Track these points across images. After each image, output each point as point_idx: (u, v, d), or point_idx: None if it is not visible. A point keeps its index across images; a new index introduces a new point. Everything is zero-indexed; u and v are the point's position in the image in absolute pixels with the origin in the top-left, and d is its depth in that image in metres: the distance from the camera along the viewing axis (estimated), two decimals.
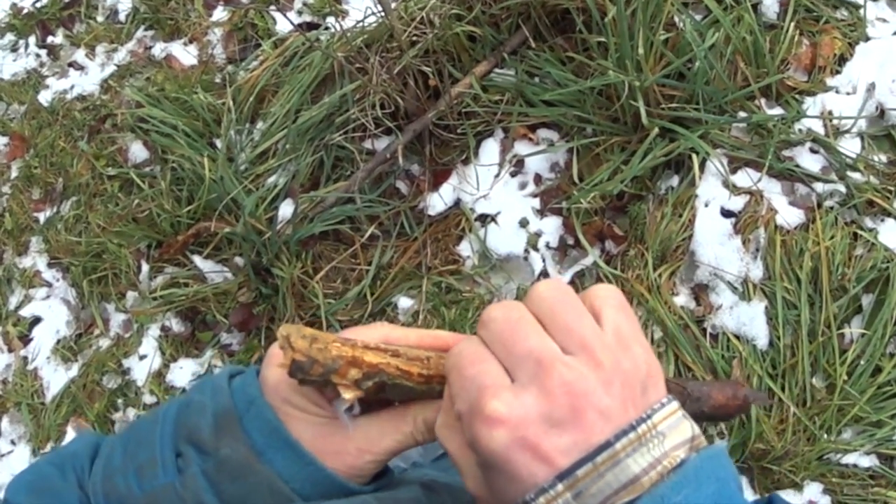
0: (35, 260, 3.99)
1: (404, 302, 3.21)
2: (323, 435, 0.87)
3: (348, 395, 0.81)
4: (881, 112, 2.85)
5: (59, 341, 3.77)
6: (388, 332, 0.88)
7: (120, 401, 3.54)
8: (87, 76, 4.33)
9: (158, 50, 4.18)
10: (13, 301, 3.95)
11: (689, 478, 0.66)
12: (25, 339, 3.84)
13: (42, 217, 4.07)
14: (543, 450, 0.66)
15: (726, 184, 2.86)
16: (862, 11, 3.03)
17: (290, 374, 0.80)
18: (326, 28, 3.70)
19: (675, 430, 0.69)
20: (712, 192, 2.87)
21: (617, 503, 0.66)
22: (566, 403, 0.66)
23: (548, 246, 3.11)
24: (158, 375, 3.51)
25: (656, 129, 2.86)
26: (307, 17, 3.84)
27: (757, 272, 2.79)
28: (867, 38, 2.98)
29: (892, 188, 2.79)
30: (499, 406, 0.67)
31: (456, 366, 0.74)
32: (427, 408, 0.87)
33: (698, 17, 3.02)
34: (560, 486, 0.66)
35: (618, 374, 0.69)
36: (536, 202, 3.16)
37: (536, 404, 0.67)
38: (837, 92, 2.93)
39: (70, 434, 3.55)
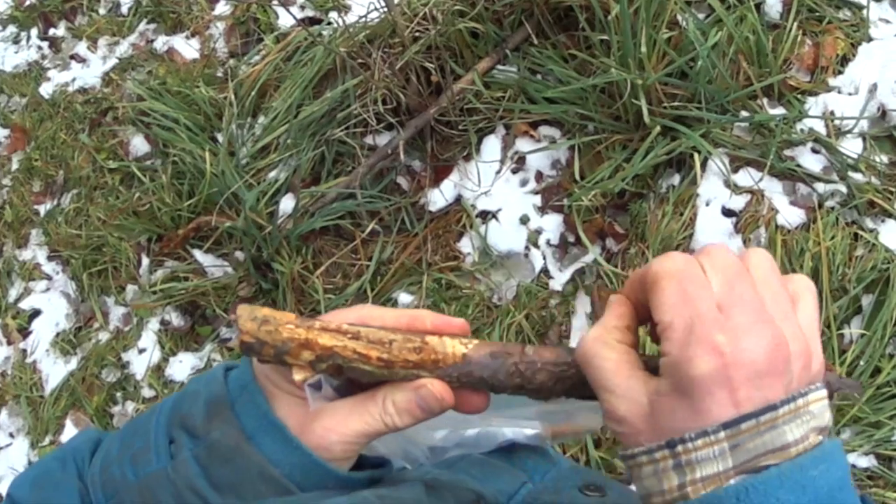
0: (35, 252, 3.99)
1: (404, 298, 3.21)
2: (298, 413, 0.87)
3: (299, 376, 0.81)
4: (883, 113, 2.84)
5: (58, 334, 3.77)
6: (368, 312, 0.88)
7: (119, 394, 3.54)
8: (89, 69, 4.32)
9: (160, 43, 4.18)
10: (13, 293, 3.95)
11: (826, 456, 0.68)
12: (25, 332, 3.84)
13: (42, 210, 4.07)
14: (740, 396, 0.67)
15: (727, 183, 2.86)
16: (865, 12, 3.02)
17: (242, 354, 0.80)
18: (329, 23, 3.70)
19: (822, 415, 0.71)
20: (713, 191, 2.87)
21: (762, 463, 0.67)
22: (772, 361, 0.68)
23: (548, 243, 3.10)
24: (158, 369, 3.52)
25: (658, 128, 2.86)
26: (310, 12, 3.83)
27: None
28: (870, 39, 2.98)
29: (893, 189, 2.78)
30: (725, 341, 0.68)
31: (676, 276, 0.73)
32: (397, 390, 0.85)
33: (701, 16, 3.03)
34: (722, 434, 0.67)
35: (805, 353, 0.71)
36: (537, 199, 3.16)
37: (752, 352, 0.68)
38: (839, 92, 2.92)
39: (69, 427, 3.55)
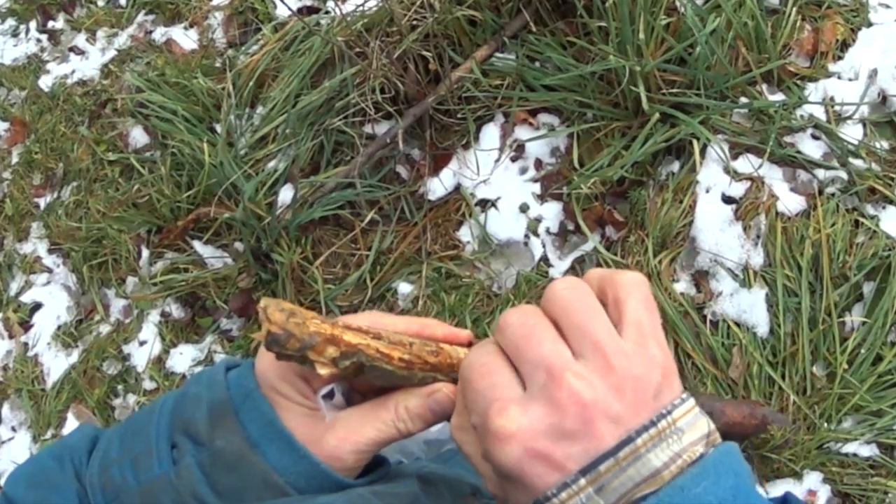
0: (36, 246, 3.99)
1: (404, 287, 3.21)
2: (307, 424, 0.86)
3: (323, 371, 0.80)
4: (883, 98, 2.83)
5: (59, 327, 3.77)
6: (377, 318, 0.88)
7: (120, 387, 3.54)
8: (88, 61, 4.32)
9: (159, 34, 4.18)
10: (14, 287, 3.95)
11: (708, 470, 0.67)
12: (26, 326, 3.84)
13: (42, 202, 4.07)
14: (556, 459, 0.67)
15: (727, 170, 2.85)
16: None
17: (266, 346, 0.79)
18: (327, 12, 3.69)
19: (693, 427, 0.69)
20: (713, 178, 2.86)
21: (637, 495, 0.66)
22: (575, 413, 0.67)
23: (548, 231, 3.10)
24: (158, 361, 3.52)
25: (657, 115, 2.85)
26: (307, 1, 3.82)
27: (757, 259, 2.77)
28: (870, 24, 2.97)
29: (893, 175, 2.77)
30: (505, 423, 0.68)
31: (467, 378, 0.74)
32: (410, 396, 0.86)
33: (699, 2, 3.01)
34: (583, 481, 0.66)
35: (629, 378, 0.68)
36: (537, 187, 3.15)
37: (545, 416, 0.67)
38: (839, 78, 2.91)
39: (70, 420, 3.55)
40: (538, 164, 3.19)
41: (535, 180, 3.17)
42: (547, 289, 0.75)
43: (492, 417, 0.68)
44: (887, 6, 3.01)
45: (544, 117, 3.22)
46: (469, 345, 0.88)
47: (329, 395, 0.87)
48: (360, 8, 3.30)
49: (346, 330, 0.81)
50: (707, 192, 2.86)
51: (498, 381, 0.71)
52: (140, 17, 4.31)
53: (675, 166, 2.96)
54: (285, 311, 0.79)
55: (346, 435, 0.86)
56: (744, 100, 2.92)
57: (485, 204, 3.18)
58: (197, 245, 3.51)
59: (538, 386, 0.68)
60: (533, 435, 0.67)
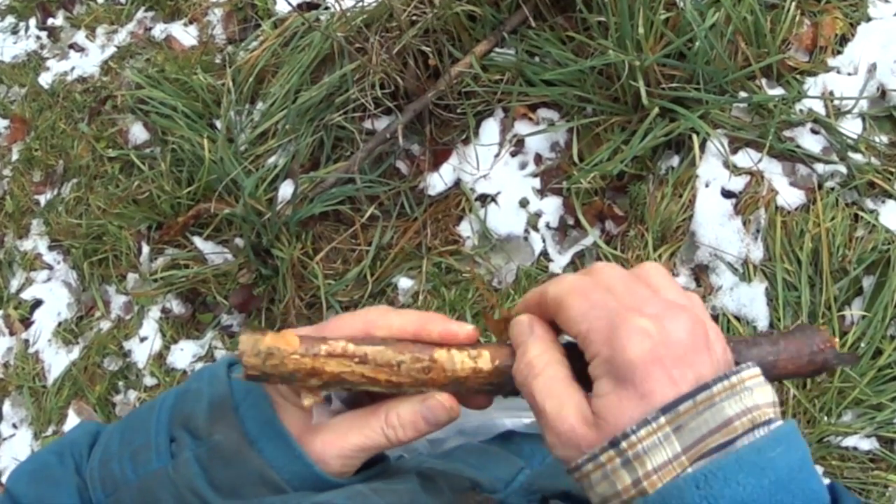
0: (36, 242, 3.99)
1: (404, 282, 3.21)
2: (300, 426, 0.87)
3: (307, 401, 0.81)
4: (882, 93, 2.83)
5: (60, 324, 3.78)
6: (374, 317, 0.86)
7: (121, 383, 3.55)
8: (88, 58, 4.32)
9: (158, 31, 4.18)
10: (14, 284, 3.95)
11: (781, 439, 0.69)
12: (27, 322, 3.84)
13: (43, 199, 4.07)
14: (674, 374, 0.69)
15: (727, 164, 2.85)
16: None
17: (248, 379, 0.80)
18: (326, 8, 3.69)
19: (761, 390, 0.72)
20: (713, 172, 2.86)
21: (711, 444, 0.68)
22: (695, 339, 0.71)
23: (548, 226, 3.10)
24: (159, 357, 3.52)
25: (656, 109, 2.85)
26: None
27: (757, 253, 2.78)
28: (869, 19, 2.97)
29: (893, 169, 2.77)
30: (647, 324, 0.71)
31: (577, 290, 0.77)
32: (402, 402, 0.85)
33: None
34: (663, 419, 0.68)
35: (721, 338, 0.75)
36: (536, 182, 3.15)
37: (676, 331, 0.71)
38: (839, 72, 2.91)
39: (71, 417, 3.56)
40: (538, 158, 3.19)
41: (534, 175, 3.17)
42: (640, 266, 0.81)
43: (632, 316, 0.71)
44: (886, 0, 3.00)
45: (544, 112, 3.22)
46: (473, 344, 0.85)
47: (326, 399, 0.87)
48: (360, 4, 3.30)
49: (329, 359, 0.80)
50: (707, 186, 2.86)
51: (615, 298, 0.76)
52: (139, 14, 4.31)
53: (675, 161, 2.96)
54: (261, 353, 0.78)
55: (331, 439, 0.85)
56: (743, 94, 2.92)
57: (485, 199, 3.18)
58: (197, 241, 3.51)
59: (661, 309, 0.73)
60: (664, 343, 0.70)
